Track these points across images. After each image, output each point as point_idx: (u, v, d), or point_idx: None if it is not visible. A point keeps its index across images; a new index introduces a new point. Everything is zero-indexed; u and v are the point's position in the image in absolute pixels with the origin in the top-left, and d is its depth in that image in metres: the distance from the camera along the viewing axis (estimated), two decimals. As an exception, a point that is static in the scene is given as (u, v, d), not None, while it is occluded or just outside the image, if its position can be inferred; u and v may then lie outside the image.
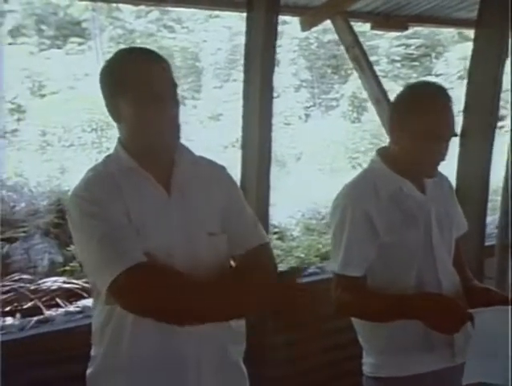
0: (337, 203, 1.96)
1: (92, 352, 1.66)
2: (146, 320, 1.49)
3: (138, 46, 1.66)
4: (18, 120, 15.19)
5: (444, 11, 4.70)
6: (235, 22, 19.51)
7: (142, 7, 19.34)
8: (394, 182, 1.94)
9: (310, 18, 4.73)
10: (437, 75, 19.27)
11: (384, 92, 4.55)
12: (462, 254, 2.10)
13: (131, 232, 1.51)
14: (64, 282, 7.12)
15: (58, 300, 6.74)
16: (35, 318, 5.41)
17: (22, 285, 6.89)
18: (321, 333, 3.17)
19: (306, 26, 4.83)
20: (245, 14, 3.28)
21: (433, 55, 21.11)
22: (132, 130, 1.60)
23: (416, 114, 1.86)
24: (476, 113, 3.27)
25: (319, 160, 15.28)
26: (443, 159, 1.90)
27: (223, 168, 1.78)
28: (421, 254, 1.91)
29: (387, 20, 4.82)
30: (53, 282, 7.12)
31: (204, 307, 1.49)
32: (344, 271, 1.90)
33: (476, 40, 3.26)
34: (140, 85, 1.54)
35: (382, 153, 2.02)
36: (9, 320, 6.08)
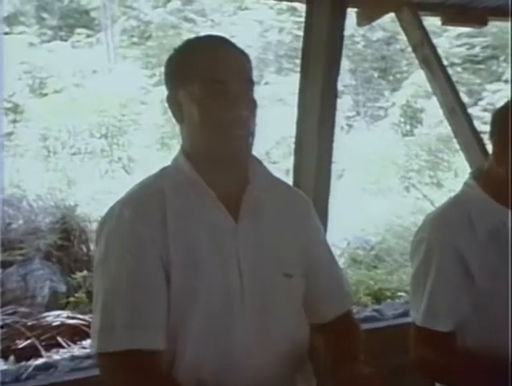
0: (421, 237, 1.90)
1: None
2: None
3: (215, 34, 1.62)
4: (15, 121, 15.29)
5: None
6: (267, 14, 19.68)
7: (162, -5, 19.66)
8: (494, 213, 1.85)
9: (369, 10, 4.73)
10: (505, 82, 19.12)
11: (460, 101, 4.51)
12: None
13: (153, 297, 1.45)
14: (68, 317, 7.01)
15: (60, 339, 6.67)
16: (34, 363, 5.29)
17: (17, 319, 6.82)
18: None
19: (364, 19, 4.83)
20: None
21: (502, 57, 20.90)
22: (193, 132, 1.54)
23: None
24: None
25: (364, 178, 15.21)
26: None
27: (308, 201, 1.75)
28: None
29: (462, 13, 4.80)
30: (55, 317, 7.02)
31: None
32: (428, 324, 1.84)
33: None
34: (207, 75, 1.48)
35: (479, 175, 1.93)
36: (1, 365, 5.91)
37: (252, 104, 1.54)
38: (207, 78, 1.48)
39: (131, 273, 1.46)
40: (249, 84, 1.55)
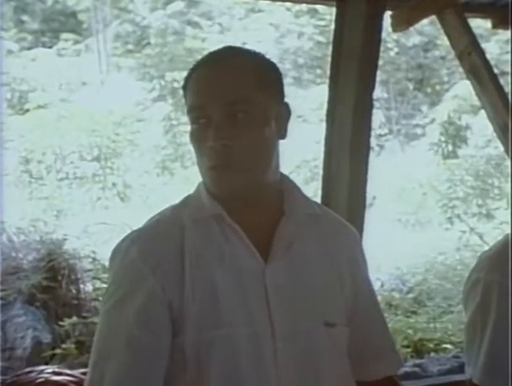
0: (477, 278, 1.90)
1: None
2: None
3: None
4: (-10, 142, 15.46)
5: None
6: (284, 18, 19.85)
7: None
8: None
9: (407, 12, 4.79)
10: None
11: (514, 117, 4.54)
12: None
13: (150, 359, 1.48)
14: (54, 373, 6.93)
15: (43, 400, 6.66)
16: None
17: (-8, 376, 6.80)
18: None
19: (400, 23, 4.89)
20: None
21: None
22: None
23: None
24: None
25: (399, 208, 15.21)
26: None
27: (357, 236, 1.75)
28: None
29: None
30: (38, 373, 6.96)
31: None
32: (487, 382, 1.83)
33: None
34: (191, 100, 1.54)
35: None
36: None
37: (240, 131, 1.50)
38: (189, 104, 1.54)
39: (130, 326, 1.48)
40: (244, 104, 1.51)
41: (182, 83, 1.60)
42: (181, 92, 1.60)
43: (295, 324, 1.54)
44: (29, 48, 19.83)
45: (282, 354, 1.51)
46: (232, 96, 1.50)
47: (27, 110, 16.58)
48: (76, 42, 20.66)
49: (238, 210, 1.55)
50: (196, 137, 1.52)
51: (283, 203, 1.59)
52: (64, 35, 20.85)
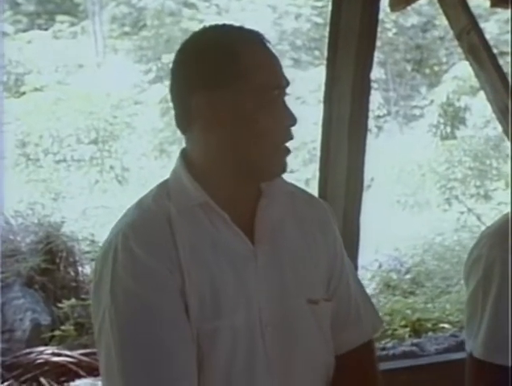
0: (478, 255, 1.91)
1: None
2: None
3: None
4: (-14, 125, 15.45)
5: None
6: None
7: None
8: None
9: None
10: None
11: (515, 99, 4.52)
12: None
13: (182, 349, 1.48)
14: (53, 354, 6.91)
15: (43, 380, 6.64)
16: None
17: (-8, 357, 6.79)
18: None
19: (398, 2, 4.87)
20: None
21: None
22: (222, 144, 1.54)
23: None
24: None
25: (397, 190, 15.21)
26: None
27: (327, 208, 1.77)
28: None
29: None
30: (38, 354, 6.95)
31: None
32: (489, 357, 1.82)
33: None
34: (263, 79, 1.53)
35: None
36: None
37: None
38: (267, 81, 1.54)
39: (154, 319, 1.48)
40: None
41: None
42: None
43: (281, 305, 1.58)
44: (24, 30, 19.69)
45: (270, 337, 1.55)
46: (286, 77, 1.59)
47: (23, 93, 16.52)
48: (72, 24, 20.55)
49: (225, 195, 1.56)
50: (273, 115, 1.53)
51: (261, 184, 1.62)
52: (59, 17, 20.72)
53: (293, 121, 1.54)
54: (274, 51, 1.59)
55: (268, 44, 1.58)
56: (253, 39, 1.56)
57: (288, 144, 1.57)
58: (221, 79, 1.52)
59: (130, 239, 1.50)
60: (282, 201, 1.64)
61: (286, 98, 1.59)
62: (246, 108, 1.51)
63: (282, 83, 1.56)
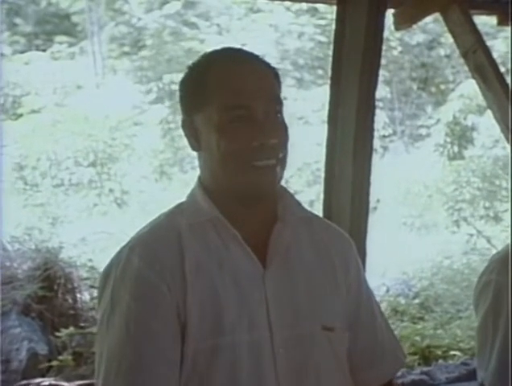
0: (487, 280, 1.93)
1: None
2: None
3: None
4: (-17, 148, 15.46)
5: None
6: (283, 17, 19.85)
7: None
8: None
9: (411, 10, 4.79)
10: None
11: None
12: None
13: (166, 362, 1.50)
14: (51, 385, 7.02)
15: (41, 414, 6.64)
16: None
17: (-13, 389, 6.80)
18: None
19: (403, 21, 4.89)
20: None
21: None
22: (213, 164, 1.59)
23: None
24: None
25: (403, 212, 15.21)
26: None
27: (350, 241, 1.77)
28: None
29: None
30: None
31: None
32: None
33: None
34: (227, 99, 1.55)
35: None
36: None
37: (281, 129, 1.61)
38: (227, 102, 1.55)
39: (141, 333, 1.51)
40: (277, 104, 1.61)
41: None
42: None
43: (294, 329, 1.58)
44: (22, 52, 19.80)
45: (281, 359, 1.54)
46: (271, 94, 1.60)
47: (21, 115, 16.58)
48: (71, 44, 20.65)
49: (236, 213, 1.59)
50: (235, 135, 1.54)
51: (277, 207, 1.63)
52: (57, 38, 20.84)
53: (263, 138, 1.54)
54: (259, 66, 1.61)
55: (249, 61, 1.61)
56: (224, 62, 1.61)
57: (273, 160, 1.57)
58: (195, 105, 1.60)
59: (136, 252, 1.55)
60: (299, 226, 1.66)
61: (287, 115, 1.60)
62: (212, 131, 1.56)
63: (245, 102, 1.55)
